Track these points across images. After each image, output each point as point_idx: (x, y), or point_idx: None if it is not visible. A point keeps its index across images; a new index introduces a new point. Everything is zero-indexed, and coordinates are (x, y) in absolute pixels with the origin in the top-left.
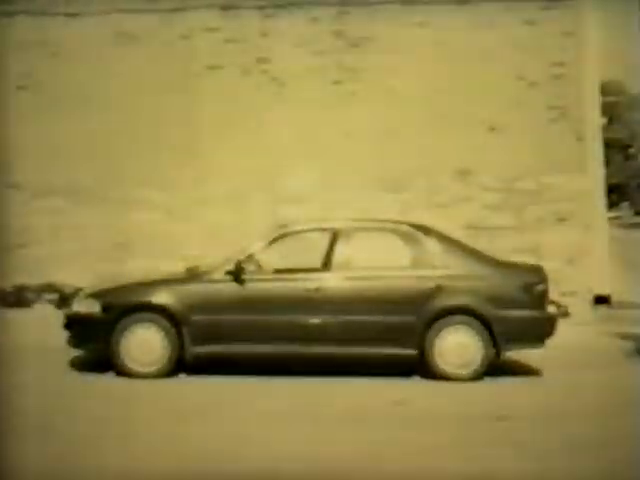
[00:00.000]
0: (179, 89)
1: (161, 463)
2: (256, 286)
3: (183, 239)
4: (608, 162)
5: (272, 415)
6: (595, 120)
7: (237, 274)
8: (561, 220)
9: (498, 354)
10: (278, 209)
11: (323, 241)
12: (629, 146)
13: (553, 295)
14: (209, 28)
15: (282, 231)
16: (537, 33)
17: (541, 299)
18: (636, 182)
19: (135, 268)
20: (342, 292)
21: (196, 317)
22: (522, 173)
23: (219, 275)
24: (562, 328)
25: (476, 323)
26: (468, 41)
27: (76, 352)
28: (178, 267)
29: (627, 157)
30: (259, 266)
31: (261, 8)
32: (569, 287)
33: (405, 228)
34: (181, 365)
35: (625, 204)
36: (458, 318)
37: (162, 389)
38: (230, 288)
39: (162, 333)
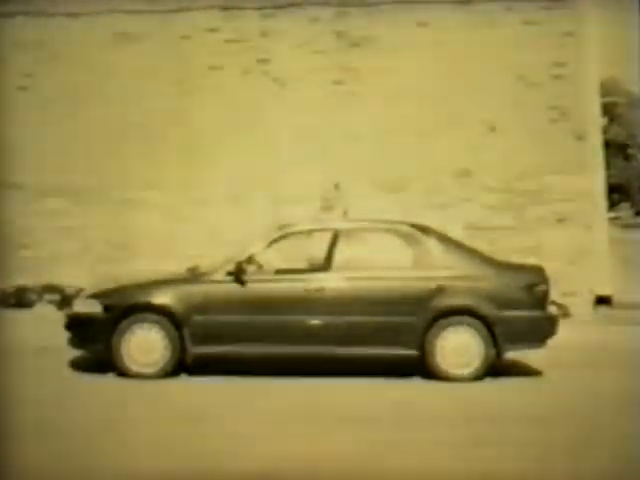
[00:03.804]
0: (179, 89)
1: (161, 463)
2: (257, 286)
3: (183, 239)
4: (608, 162)
5: (272, 415)
6: (595, 120)
7: (238, 274)
8: (561, 220)
9: (499, 354)
10: (278, 209)
11: (324, 241)
12: (629, 146)
13: (554, 295)
14: (209, 28)
15: (282, 231)
16: (537, 33)
17: (542, 299)
18: (636, 182)
19: (136, 269)
20: (343, 292)
21: (197, 317)
22: (522, 173)
23: (220, 275)
24: (563, 328)
25: (477, 323)
26: (468, 41)
27: (77, 353)
28: (179, 267)
29: (627, 157)
30: (260, 266)
31: (261, 8)
32: (570, 287)
33: (405, 228)
34: (182, 366)
35: (625, 204)
36: (459, 318)
37: (163, 389)
38: (231, 288)
39: (163, 333)
